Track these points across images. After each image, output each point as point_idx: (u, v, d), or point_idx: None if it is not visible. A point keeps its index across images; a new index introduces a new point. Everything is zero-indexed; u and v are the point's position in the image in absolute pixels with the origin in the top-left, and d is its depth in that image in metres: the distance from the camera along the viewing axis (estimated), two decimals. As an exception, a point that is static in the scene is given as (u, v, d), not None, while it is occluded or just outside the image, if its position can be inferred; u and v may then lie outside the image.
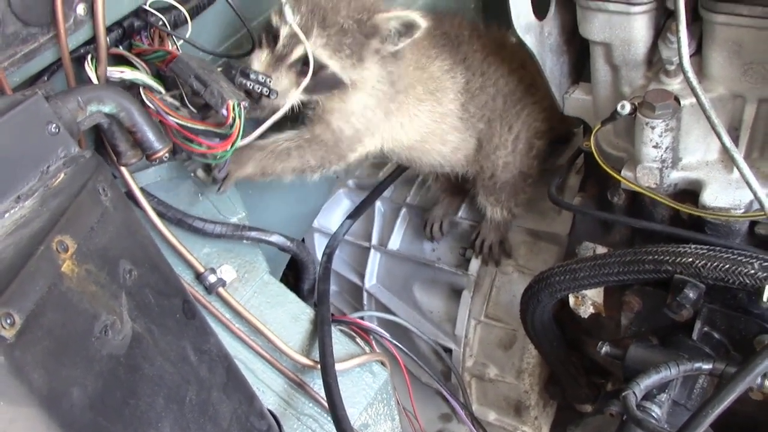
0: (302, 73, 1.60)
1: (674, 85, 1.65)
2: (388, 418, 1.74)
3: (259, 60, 1.59)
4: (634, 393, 1.47)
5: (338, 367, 1.64)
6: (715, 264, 1.51)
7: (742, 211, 1.62)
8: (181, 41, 1.63)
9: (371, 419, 1.69)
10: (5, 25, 1.32)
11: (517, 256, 2.22)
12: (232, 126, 1.49)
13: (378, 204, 2.46)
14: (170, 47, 1.60)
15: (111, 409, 0.99)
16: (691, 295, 1.57)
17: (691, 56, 1.56)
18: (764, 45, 1.53)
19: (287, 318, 1.75)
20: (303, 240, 2.48)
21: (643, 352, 1.64)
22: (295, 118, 1.73)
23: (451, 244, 2.35)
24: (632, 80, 1.74)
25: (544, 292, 1.79)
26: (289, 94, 1.61)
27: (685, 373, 1.53)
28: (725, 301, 1.63)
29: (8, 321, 0.86)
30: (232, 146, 1.51)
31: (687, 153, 1.69)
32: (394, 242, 2.42)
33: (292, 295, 1.80)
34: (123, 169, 1.62)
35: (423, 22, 1.59)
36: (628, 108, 1.62)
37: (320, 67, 1.60)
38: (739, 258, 1.49)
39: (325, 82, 1.63)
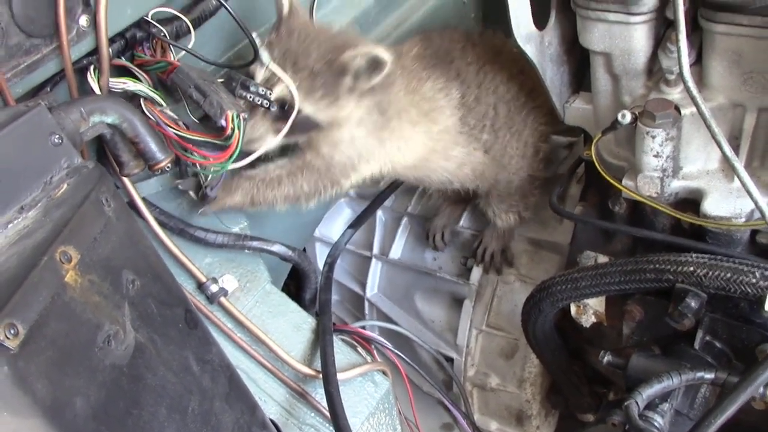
0: (279, 118, 1.60)
1: (674, 94, 1.65)
2: (389, 427, 1.74)
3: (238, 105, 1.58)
4: (636, 402, 1.47)
5: (340, 376, 1.64)
6: (717, 273, 1.51)
7: (743, 220, 1.62)
8: (183, 52, 1.63)
9: (373, 429, 1.69)
10: (8, 36, 1.32)
11: (519, 265, 2.23)
12: (230, 137, 1.49)
13: (379, 213, 2.46)
14: (172, 58, 1.61)
15: (114, 420, 1.00)
16: (692, 304, 1.57)
17: (691, 65, 1.57)
18: (764, 54, 1.54)
19: (289, 327, 1.75)
20: (304, 249, 2.48)
21: (645, 362, 1.64)
22: (284, 149, 1.73)
23: (452, 253, 2.35)
24: (632, 90, 1.75)
25: (545, 302, 1.79)
26: (267, 138, 1.61)
27: (687, 383, 1.53)
28: (727, 310, 1.63)
29: (12, 331, 0.87)
30: (230, 157, 1.51)
31: (688, 162, 1.70)
32: (396, 251, 2.42)
33: (294, 305, 1.80)
34: (125, 180, 1.62)
35: (388, 57, 1.58)
36: (628, 117, 1.63)
37: (291, 109, 1.59)
38: (740, 267, 1.49)
39: (300, 125, 1.62)
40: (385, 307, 2.42)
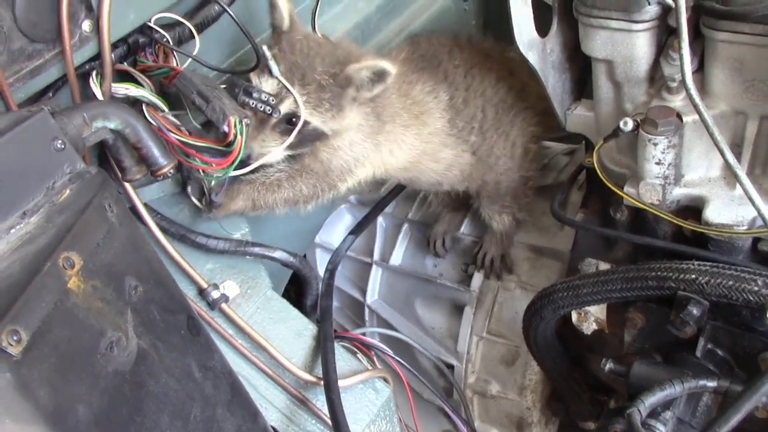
0: (286, 132, 1.62)
1: (676, 101, 1.65)
2: (390, 434, 1.74)
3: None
4: (638, 410, 1.46)
5: (341, 383, 1.63)
6: (719, 281, 1.50)
7: (745, 227, 1.62)
8: (186, 57, 1.63)
9: (374, 436, 1.69)
10: (11, 41, 1.32)
11: (520, 272, 2.22)
12: (233, 143, 1.49)
13: (380, 219, 2.46)
14: (174, 63, 1.61)
15: (116, 426, 0.99)
16: (694, 312, 1.57)
17: (693, 73, 1.57)
18: (766, 62, 1.54)
19: (290, 334, 1.74)
20: (305, 256, 2.48)
21: (647, 369, 1.64)
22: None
23: (453, 259, 2.34)
24: (634, 97, 1.75)
25: (546, 309, 1.79)
26: (275, 151, 1.64)
27: (689, 391, 1.53)
28: (729, 318, 1.63)
29: (15, 338, 0.86)
30: (233, 163, 1.51)
31: (689, 169, 1.69)
32: (396, 258, 2.42)
33: (295, 311, 1.80)
34: (127, 185, 1.62)
35: (392, 69, 1.62)
36: (630, 125, 1.63)
37: (303, 123, 1.61)
38: (742, 275, 1.49)
39: (308, 137, 1.65)
40: (385, 314, 2.41)
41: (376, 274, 2.44)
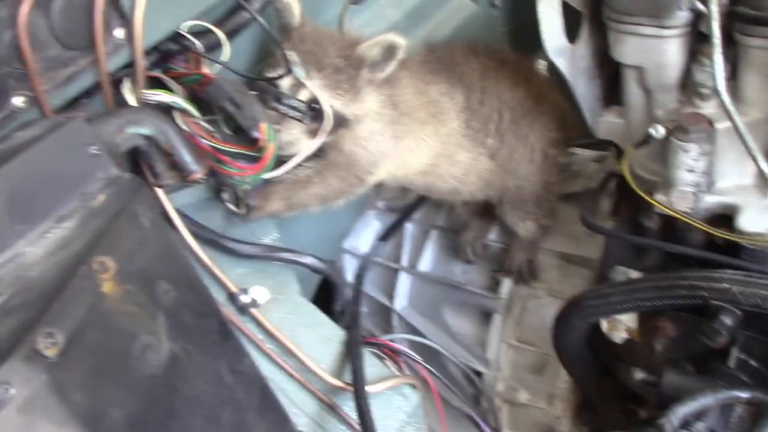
0: (310, 119, 1.64)
1: (708, 108, 1.64)
2: (418, 441, 1.74)
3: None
4: (670, 421, 1.45)
5: (369, 389, 1.63)
6: (752, 290, 1.48)
7: (779, 236, 1.60)
8: (217, 64, 1.65)
9: (402, 442, 1.69)
10: (47, 48, 1.34)
11: (549, 280, 2.21)
12: (264, 148, 1.50)
13: (408, 226, 2.46)
14: (205, 70, 1.62)
15: (149, 429, 1.00)
16: (727, 321, 1.55)
17: (725, 80, 1.55)
18: (800, 69, 1.53)
19: (319, 339, 1.74)
20: (334, 261, 2.49)
21: (678, 379, 1.62)
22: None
23: (481, 266, 2.33)
24: (665, 103, 1.73)
25: (576, 317, 1.78)
26: (301, 141, 1.66)
27: (722, 402, 1.51)
28: (762, 328, 1.61)
29: (51, 340, 0.88)
30: (264, 168, 1.52)
31: (722, 177, 1.68)
32: (424, 264, 2.42)
33: (324, 317, 1.80)
34: (158, 190, 1.63)
35: (402, 41, 1.65)
36: (661, 131, 1.62)
37: (324, 107, 1.64)
38: (776, 284, 1.47)
39: (330, 123, 1.66)
40: (413, 320, 2.41)
41: (404, 281, 2.44)
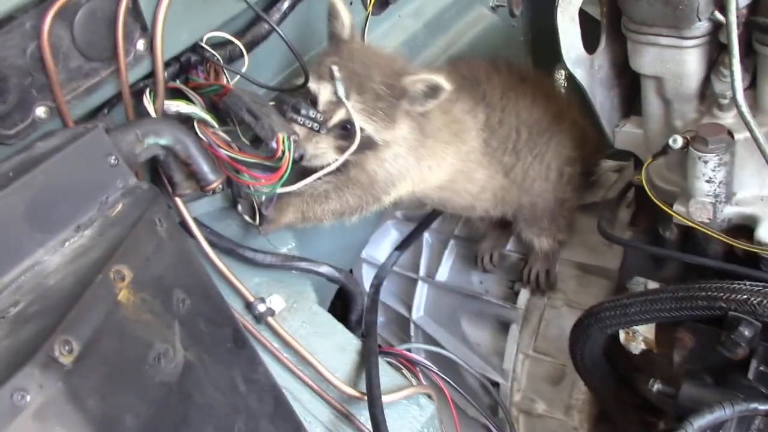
0: (340, 137, 1.65)
1: (727, 119, 1.63)
2: (434, 451, 1.73)
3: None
4: (687, 432, 1.44)
5: (385, 399, 1.63)
6: (771, 301, 1.47)
7: (799, 247, 1.58)
8: (237, 75, 1.67)
9: (417, 452, 1.69)
10: (69, 59, 1.37)
11: (567, 290, 2.20)
12: (281, 159, 1.51)
13: (426, 235, 2.46)
14: (225, 81, 1.64)
15: (163, 437, 1.01)
16: (746, 333, 1.53)
17: (745, 89, 1.55)
18: (820, 79, 1.52)
19: (335, 349, 1.75)
20: (351, 271, 2.49)
21: (696, 391, 1.61)
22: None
23: (499, 276, 2.33)
24: (684, 114, 1.73)
25: (593, 327, 1.77)
26: (327, 156, 1.67)
27: (740, 414, 1.49)
28: (782, 340, 1.59)
29: (67, 348, 0.89)
30: (281, 178, 1.53)
31: (741, 188, 1.66)
32: (442, 274, 2.42)
33: (340, 326, 1.81)
34: (177, 200, 1.65)
35: (447, 86, 1.65)
36: (680, 142, 1.61)
37: (356, 130, 1.65)
38: (796, 296, 1.46)
39: (360, 144, 1.67)
40: (430, 330, 2.41)
41: (421, 290, 2.44)
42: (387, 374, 1.75)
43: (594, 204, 2.24)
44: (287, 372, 1.69)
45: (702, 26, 1.57)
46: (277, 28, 1.62)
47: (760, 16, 1.51)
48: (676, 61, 1.64)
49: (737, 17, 1.47)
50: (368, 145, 1.69)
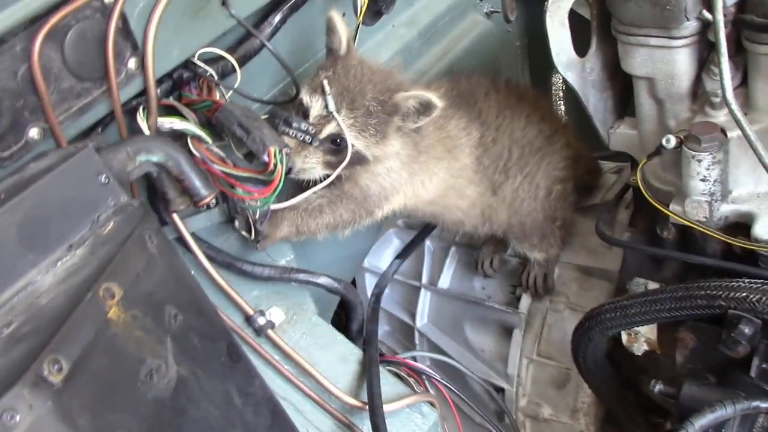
0: (330, 151, 1.66)
1: (720, 117, 1.63)
2: (438, 459, 1.73)
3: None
4: (688, 432, 1.43)
5: (387, 408, 1.64)
6: (770, 299, 1.47)
7: (796, 243, 1.58)
8: (230, 91, 1.68)
9: (421, 460, 1.69)
10: (61, 80, 1.38)
11: (569, 293, 2.20)
12: (273, 172, 1.52)
13: (427, 243, 2.46)
14: (218, 97, 1.65)
15: (156, 452, 1.02)
16: (746, 330, 1.53)
17: (736, 87, 1.55)
18: (810, 75, 1.51)
19: (336, 359, 1.76)
20: (354, 280, 2.50)
21: (697, 390, 1.60)
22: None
23: (500, 281, 2.33)
24: (677, 113, 1.73)
25: (595, 330, 1.77)
26: (316, 170, 1.68)
27: (742, 412, 1.49)
28: (783, 336, 1.58)
29: (56, 367, 0.90)
30: (274, 192, 1.54)
31: (737, 185, 1.66)
32: (444, 281, 2.42)
33: (341, 336, 1.81)
34: (174, 216, 1.66)
35: (440, 102, 1.64)
36: (673, 142, 1.61)
37: (347, 145, 1.65)
38: (794, 292, 1.45)
39: (351, 159, 1.66)
40: (435, 337, 2.41)
41: (424, 298, 2.45)
42: (389, 383, 1.75)
43: (594, 206, 2.24)
44: (289, 384, 1.69)
45: (690, 26, 1.58)
46: (267, 43, 1.62)
47: (747, 13, 1.51)
48: (666, 62, 1.64)
49: (725, 15, 1.47)
50: (359, 160, 1.69)
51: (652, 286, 1.86)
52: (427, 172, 1.83)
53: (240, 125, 1.54)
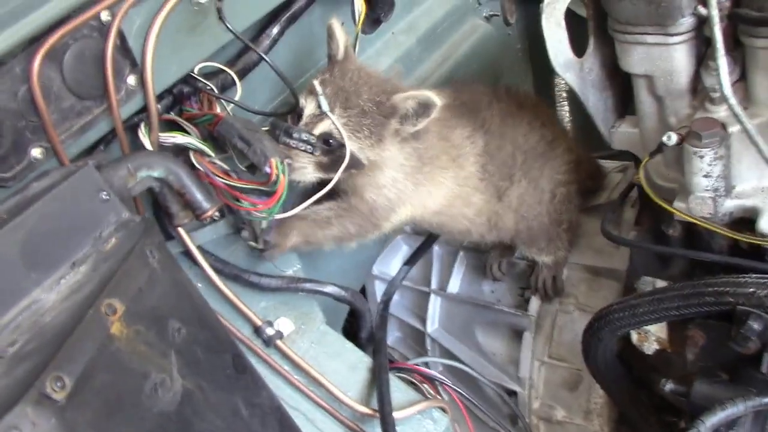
0: (323, 152, 1.65)
1: (720, 112, 1.62)
2: (450, 464, 1.73)
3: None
4: (699, 431, 1.42)
5: (397, 414, 1.64)
6: (778, 293, 1.46)
7: (802, 236, 1.57)
8: (231, 104, 1.69)
9: (433, 466, 1.68)
10: (61, 100, 1.39)
11: (578, 294, 2.19)
12: (276, 183, 1.53)
13: (435, 248, 2.46)
14: (218, 110, 1.66)
15: (162, 466, 1.02)
16: (755, 326, 1.52)
17: (735, 82, 1.55)
18: (809, 66, 1.50)
19: (345, 367, 1.76)
20: (363, 288, 2.50)
21: (708, 388, 1.59)
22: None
23: (509, 285, 2.33)
24: (678, 110, 1.72)
25: (604, 330, 1.76)
26: (308, 171, 1.67)
27: (753, 409, 1.48)
28: (792, 331, 1.57)
29: (59, 384, 0.91)
30: (277, 202, 1.55)
31: (740, 180, 1.65)
32: (454, 285, 2.42)
33: (350, 344, 1.81)
34: (180, 229, 1.67)
35: (438, 101, 1.63)
36: (674, 138, 1.60)
37: (339, 145, 1.64)
38: (802, 286, 1.44)
39: (342, 161, 1.65)
40: (446, 342, 2.41)
41: (434, 303, 2.44)
42: (399, 390, 1.75)
43: (599, 206, 2.24)
44: (299, 393, 1.69)
45: (686, 22, 1.57)
46: (265, 56, 1.64)
47: (743, 7, 1.50)
48: (664, 59, 1.64)
49: (720, 10, 1.47)
50: (354, 163, 1.68)
51: (660, 284, 1.85)
52: (432, 182, 1.84)
53: (241, 138, 1.55)
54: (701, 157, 1.58)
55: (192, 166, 1.58)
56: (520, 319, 2.23)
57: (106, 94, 1.45)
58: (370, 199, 1.78)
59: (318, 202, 1.77)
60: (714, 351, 1.72)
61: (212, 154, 1.64)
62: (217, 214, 1.47)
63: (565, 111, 2.79)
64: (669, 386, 1.66)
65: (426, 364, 2.33)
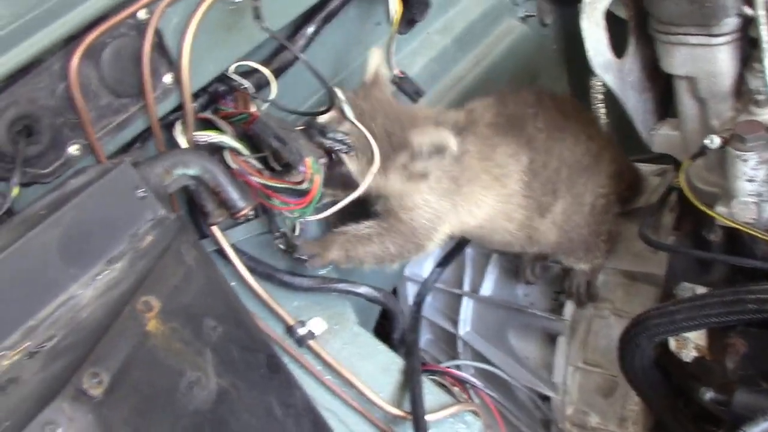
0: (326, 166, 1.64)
1: (765, 115, 1.58)
2: (483, 469, 1.71)
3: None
4: (740, 441, 1.39)
5: (430, 417, 1.63)
6: (823, 302, 1.42)
7: None
8: (266, 103, 1.68)
9: (465, 470, 1.67)
10: (99, 98, 1.40)
11: (614, 299, 2.16)
12: (311, 182, 1.52)
13: (468, 250, 2.44)
14: (253, 109, 1.66)
15: (197, 464, 1.02)
16: (799, 335, 1.48)
17: (780, 84, 1.50)
18: None
19: (377, 369, 1.75)
20: (395, 290, 2.49)
21: (750, 398, 1.55)
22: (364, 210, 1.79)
23: (543, 288, 2.30)
24: (720, 113, 1.69)
25: (641, 336, 1.72)
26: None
27: (797, 419, 1.44)
28: (838, 340, 1.53)
29: (95, 380, 0.91)
30: (311, 202, 1.54)
31: (785, 185, 1.61)
32: (486, 288, 2.39)
33: (382, 346, 1.80)
34: (214, 228, 1.68)
35: (454, 145, 1.63)
36: (717, 142, 1.57)
37: (339, 162, 1.65)
38: None
39: (337, 178, 1.67)
40: (478, 345, 2.38)
41: (467, 306, 2.42)
42: (432, 392, 1.73)
43: (638, 210, 2.20)
44: (331, 394, 1.69)
45: (731, 22, 1.54)
46: (301, 55, 1.63)
47: (790, 7, 1.47)
48: (707, 60, 1.61)
49: (766, 11, 1.43)
50: (347, 182, 1.68)
51: (700, 290, 1.81)
52: (472, 201, 1.82)
53: (276, 137, 1.54)
54: (745, 160, 1.54)
55: (226, 165, 1.58)
56: (554, 323, 2.20)
57: (142, 92, 1.46)
58: (407, 220, 1.77)
59: (357, 220, 1.79)
60: (755, 359, 1.68)
61: (247, 153, 1.64)
62: (252, 212, 1.47)
63: (601, 112, 2.75)
64: (709, 395, 1.62)
65: (458, 367, 2.31)
